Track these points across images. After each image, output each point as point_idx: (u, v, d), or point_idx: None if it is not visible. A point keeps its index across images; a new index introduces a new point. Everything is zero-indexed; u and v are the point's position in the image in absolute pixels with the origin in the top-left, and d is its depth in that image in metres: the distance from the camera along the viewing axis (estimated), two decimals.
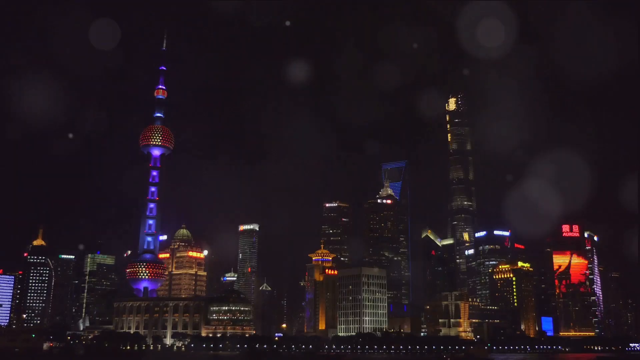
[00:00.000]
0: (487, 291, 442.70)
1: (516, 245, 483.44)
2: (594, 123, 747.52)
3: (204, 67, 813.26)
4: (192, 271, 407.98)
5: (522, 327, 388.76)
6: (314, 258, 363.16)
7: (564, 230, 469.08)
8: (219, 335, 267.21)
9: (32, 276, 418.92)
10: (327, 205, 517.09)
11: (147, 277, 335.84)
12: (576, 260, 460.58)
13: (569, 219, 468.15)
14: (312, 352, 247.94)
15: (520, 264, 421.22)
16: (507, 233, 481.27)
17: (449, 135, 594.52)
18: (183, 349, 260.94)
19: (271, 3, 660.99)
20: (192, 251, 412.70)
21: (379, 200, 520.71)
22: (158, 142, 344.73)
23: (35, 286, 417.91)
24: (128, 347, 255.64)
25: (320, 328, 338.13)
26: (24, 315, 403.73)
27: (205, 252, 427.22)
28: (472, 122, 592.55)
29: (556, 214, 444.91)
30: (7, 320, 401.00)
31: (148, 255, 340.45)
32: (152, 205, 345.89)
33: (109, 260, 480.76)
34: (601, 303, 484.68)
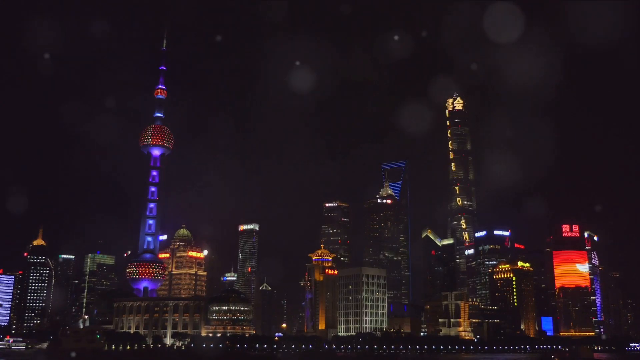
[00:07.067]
0: (487, 291, 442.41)
1: (516, 245, 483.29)
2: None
3: (205, 66, 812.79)
4: (192, 271, 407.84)
5: (522, 327, 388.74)
6: (314, 258, 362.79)
7: (564, 230, 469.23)
8: (219, 335, 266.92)
9: (32, 276, 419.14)
10: (327, 205, 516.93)
11: (147, 277, 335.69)
12: (576, 260, 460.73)
13: (568, 219, 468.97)
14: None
15: (520, 264, 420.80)
16: (507, 233, 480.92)
17: (448, 135, 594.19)
18: (183, 348, 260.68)
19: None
20: (192, 251, 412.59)
21: (379, 200, 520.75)
22: (158, 142, 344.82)
23: (35, 286, 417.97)
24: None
25: (320, 328, 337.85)
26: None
27: (205, 252, 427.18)
28: (472, 122, 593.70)
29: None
30: (7, 320, 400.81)
31: (148, 255, 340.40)
32: (152, 205, 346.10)
33: (109, 260, 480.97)
34: (601, 303, 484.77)
